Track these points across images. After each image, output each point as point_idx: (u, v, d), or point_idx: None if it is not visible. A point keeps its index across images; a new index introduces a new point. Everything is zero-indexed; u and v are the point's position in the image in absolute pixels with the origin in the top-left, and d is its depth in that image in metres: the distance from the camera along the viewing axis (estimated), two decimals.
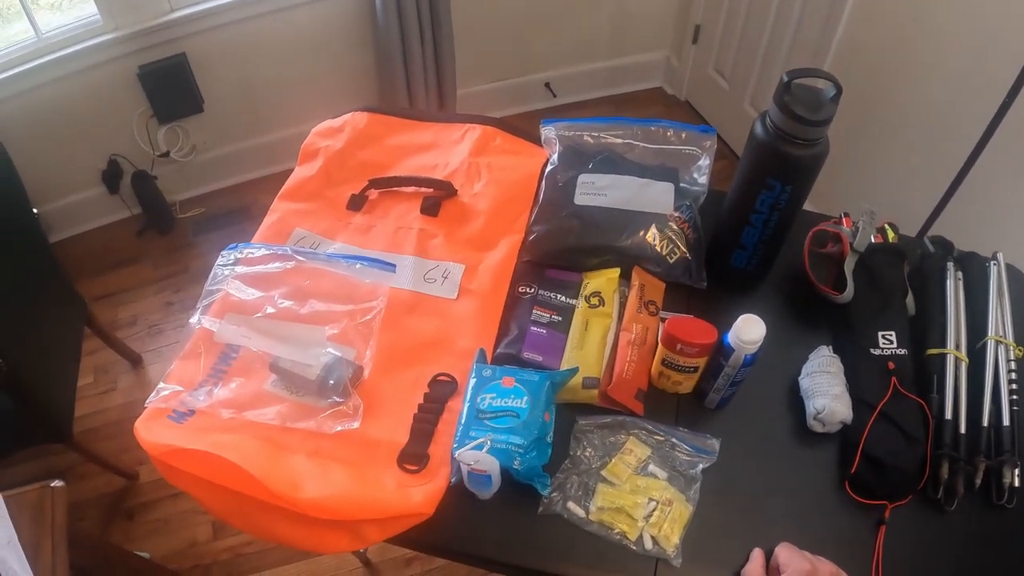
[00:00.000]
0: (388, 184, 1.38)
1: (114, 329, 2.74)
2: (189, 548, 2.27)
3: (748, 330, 1.01)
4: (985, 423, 1.13)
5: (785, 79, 1.06)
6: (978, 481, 1.08)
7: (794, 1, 2.73)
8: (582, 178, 1.34)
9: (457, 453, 0.98)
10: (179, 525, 2.31)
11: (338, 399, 1.09)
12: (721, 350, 1.05)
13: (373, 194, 1.38)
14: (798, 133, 1.07)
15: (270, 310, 1.19)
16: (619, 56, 3.62)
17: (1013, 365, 1.18)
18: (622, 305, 1.23)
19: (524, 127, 1.53)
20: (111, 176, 2.96)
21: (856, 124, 2.57)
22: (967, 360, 1.19)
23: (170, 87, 2.82)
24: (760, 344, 1.02)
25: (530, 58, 3.48)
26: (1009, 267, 1.35)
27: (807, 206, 1.23)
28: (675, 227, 1.28)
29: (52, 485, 1.35)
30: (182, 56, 2.76)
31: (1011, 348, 1.20)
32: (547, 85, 3.57)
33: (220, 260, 1.26)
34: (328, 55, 3.03)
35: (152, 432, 1.04)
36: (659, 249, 1.26)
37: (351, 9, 2.90)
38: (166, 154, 2.98)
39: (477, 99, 3.46)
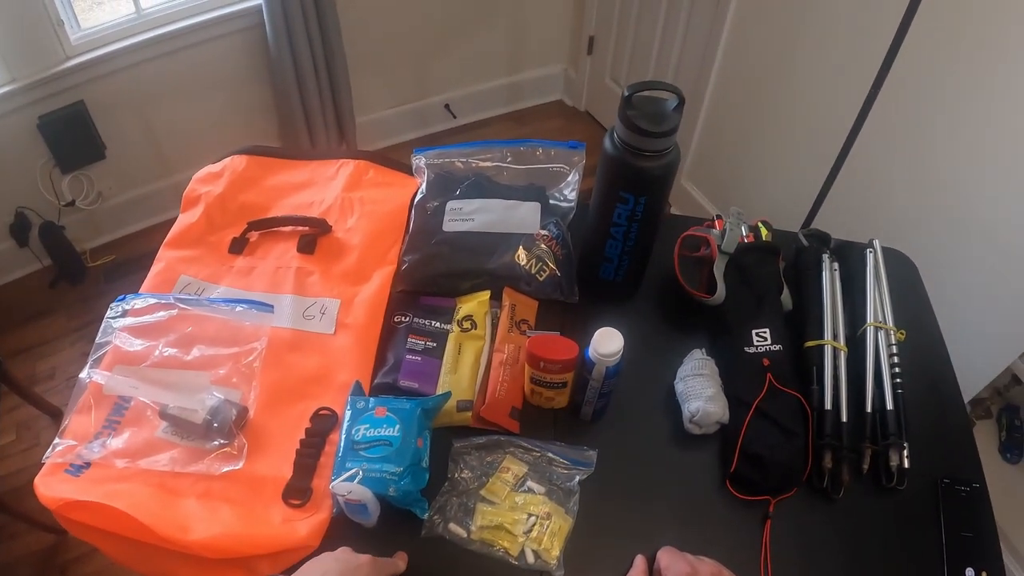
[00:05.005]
0: (265, 225, 1.39)
1: (33, 384, 2.69)
2: None
3: (605, 343, 1.03)
4: (869, 409, 1.15)
5: (626, 93, 1.07)
6: (865, 467, 1.11)
7: (680, 6, 2.80)
8: (450, 204, 1.37)
9: (331, 485, 1.00)
10: None
11: (223, 441, 1.10)
12: (584, 364, 1.07)
13: (253, 236, 1.39)
14: (644, 146, 1.08)
15: (157, 359, 1.20)
16: (517, 72, 3.67)
17: (895, 349, 1.21)
18: (494, 326, 1.25)
19: None
20: (19, 229, 2.91)
21: (745, 126, 2.65)
22: (846, 349, 1.21)
23: (71, 135, 2.79)
24: (620, 355, 1.04)
25: (428, 81, 3.50)
26: (889, 251, 1.38)
27: (695, 210, 1.25)
28: (543, 245, 1.30)
29: None
30: (80, 104, 2.74)
31: (891, 332, 1.23)
32: (447, 106, 3.59)
33: (109, 313, 1.26)
34: (226, 93, 3.03)
35: (50, 487, 1.04)
36: (528, 268, 1.28)
37: (245, 46, 2.91)
38: (72, 203, 2.95)
39: (378, 126, 3.48)
